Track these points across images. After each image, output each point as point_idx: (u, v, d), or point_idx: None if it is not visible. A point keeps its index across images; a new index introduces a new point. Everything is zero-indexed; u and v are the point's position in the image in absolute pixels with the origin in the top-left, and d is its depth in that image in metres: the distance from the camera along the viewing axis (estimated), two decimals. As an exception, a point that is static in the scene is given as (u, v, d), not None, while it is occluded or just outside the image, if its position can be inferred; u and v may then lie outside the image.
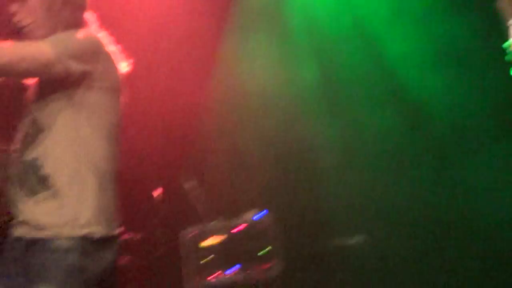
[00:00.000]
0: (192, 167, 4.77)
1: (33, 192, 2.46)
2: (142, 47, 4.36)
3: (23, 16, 2.56)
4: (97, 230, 2.44)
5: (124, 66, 2.66)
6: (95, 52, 2.53)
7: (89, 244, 2.42)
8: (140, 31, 4.71)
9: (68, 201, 2.44)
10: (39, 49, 2.40)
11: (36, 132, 2.50)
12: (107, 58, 2.58)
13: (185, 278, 4.37)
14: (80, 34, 2.55)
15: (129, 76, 2.68)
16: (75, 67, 2.45)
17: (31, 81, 2.65)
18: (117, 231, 2.54)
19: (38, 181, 2.46)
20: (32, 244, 2.43)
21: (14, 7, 2.56)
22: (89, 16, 2.67)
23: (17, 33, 2.56)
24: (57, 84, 2.49)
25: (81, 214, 2.44)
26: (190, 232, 4.42)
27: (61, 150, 2.46)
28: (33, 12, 2.56)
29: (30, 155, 2.48)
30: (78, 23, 2.62)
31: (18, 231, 2.48)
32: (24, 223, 2.47)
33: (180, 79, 4.86)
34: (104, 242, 2.46)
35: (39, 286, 2.34)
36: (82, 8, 2.65)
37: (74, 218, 2.43)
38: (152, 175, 4.84)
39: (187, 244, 4.40)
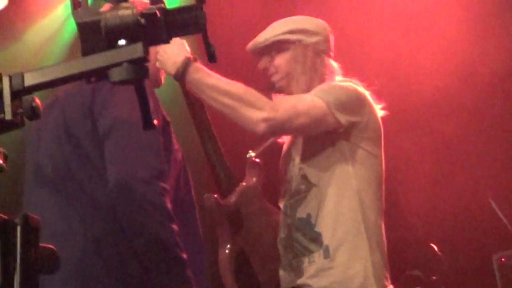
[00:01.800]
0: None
1: (306, 251, 2.43)
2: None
3: (273, 71, 2.59)
4: None
5: (380, 110, 2.59)
6: (361, 102, 2.50)
7: None
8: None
9: (340, 261, 2.38)
10: (311, 103, 2.40)
11: (308, 188, 2.48)
12: (371, 107, 2.54)
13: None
14: (344, 83, 2.53)
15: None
16: (344, 118, 2.43)
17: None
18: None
19: (310, 240, 2.43)
20: None
21: (262, 64, 2.61)
22: (334, 63, 2.65)
23: (272, 89, 2.61)
24: (326, 137, 2.48)
25: (354, 276, 2.37)
26: (502, 256, 4.22)
27: (332, 207, 2.42)
28: (282, 68, 2.57)
29: (304, 212, 2.46)
30: (329, 72, 2.61)
31: None
32: None
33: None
34: None
35: None
36: (330, 56, 2.64)
37: (347, 279, 2.37)
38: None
39: (501, 268, 4.20)
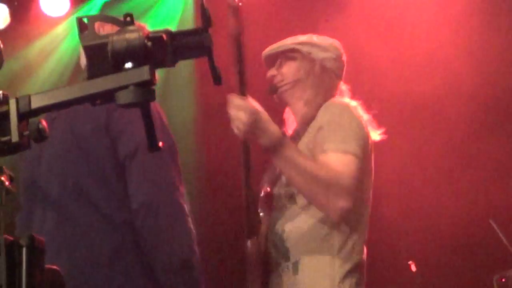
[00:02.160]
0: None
1: (277, 263, 2.47)
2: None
3: (279, 79, 2.63)
4: None
5: (377, 135, 2.62)
6: (364, 133, 2.53)
7: None
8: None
9: (304, 278, 2.41)
10: (354, 168, 2.40)
11: (291, 204, 2.51)
12: (368, 135, 2.56)
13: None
14: (347, 114, 2.52)
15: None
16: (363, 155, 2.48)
17: None
18: None
19: (280, 253, 2.48)
20: None
21: (271, 72, 2.67)
22: (343, 86, 2.69)
23: (274, 92, 2.65)
24: None
25: None
26: (502, 276, 4.21)
27: (307, 225, 2.45)
28: (288, 76, 2.62)
29: (281, 224, 2.50)
30: (336, 91, 2.64)
31: None
32: None
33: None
34: None
35: None
36: (339, 77, 2.68)
37: None
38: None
39: (500, 289, 4.19)
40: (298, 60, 2.63)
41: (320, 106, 2.58)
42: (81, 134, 2.25)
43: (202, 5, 1.19)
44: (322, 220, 2.44)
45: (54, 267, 1.18)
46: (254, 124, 2.22)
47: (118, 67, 1.15)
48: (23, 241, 1.11)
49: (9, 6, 5.04)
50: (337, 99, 2.61)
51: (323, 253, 2.43)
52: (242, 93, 2.22)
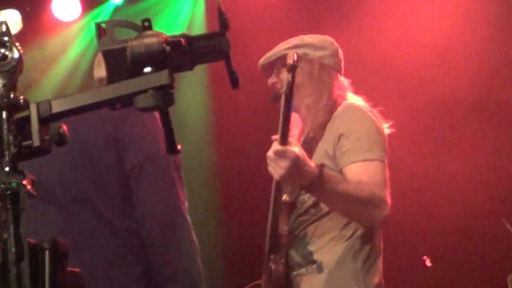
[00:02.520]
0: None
1: (297, 265, 2.51)
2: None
3: (280, 86, 2.56)
4: None
5: (387, 129, 2.61)
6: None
7: None
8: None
9: (328, 276, 2.47)
10: (384, 173, 2.47)
11: (316, 212, 2.54)
12: None
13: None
14: (368, 121, 2.55)
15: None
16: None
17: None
18: None
19: (303, 257, 2.52)
20: None
21: (271, 80, 2.66)
22: (345, 81, 2.68)
23: (277, 99, 2.56)
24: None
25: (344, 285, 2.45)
26: (517, 276, 4.19)
27: (330, 229, 2.51)
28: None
29: (303, 228, 2.54)
30: (337, 86, 2.63)
31: None
32: None
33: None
34: None
35: None
36: (338, 71, 2.67)
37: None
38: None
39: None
40: None
41: (329, 106, 2.59)
42: (87, 142, 2.25)
43: (219, 9, 1.20)
44: (344, 223, 2.49)
45: (76, 269, 1.19)
46: (294, 169, 2.23)
47: (137, 72, 1.16)
48: (46, 244, 1.12)
49: (21, 12, 5.08)
50: (350, 102, 2.61)
51: (345, 253, 2.48)
52: (284, 141, 2.24)
